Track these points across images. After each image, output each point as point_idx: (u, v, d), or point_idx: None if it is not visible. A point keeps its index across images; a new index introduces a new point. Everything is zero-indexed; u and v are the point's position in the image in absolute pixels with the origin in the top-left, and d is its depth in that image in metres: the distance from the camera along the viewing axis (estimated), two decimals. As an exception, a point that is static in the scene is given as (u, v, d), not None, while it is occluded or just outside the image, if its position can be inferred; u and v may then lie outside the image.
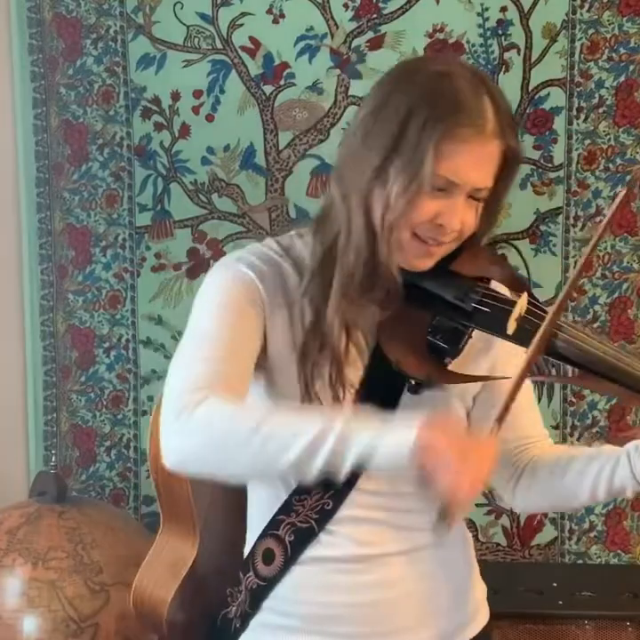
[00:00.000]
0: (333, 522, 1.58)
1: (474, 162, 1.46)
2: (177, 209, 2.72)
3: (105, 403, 2.78)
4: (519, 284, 1.61)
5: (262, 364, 1.56)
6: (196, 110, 2.68)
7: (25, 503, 2.49)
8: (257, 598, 1.61)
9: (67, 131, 2.71)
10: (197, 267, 2.72)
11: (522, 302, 1.53)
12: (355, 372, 1.55)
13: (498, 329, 1.52)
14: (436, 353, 1.53)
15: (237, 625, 1.64)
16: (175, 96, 2.68)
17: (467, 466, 1.33)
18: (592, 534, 2.73)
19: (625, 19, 2.58)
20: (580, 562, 2.73)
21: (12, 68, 2.68)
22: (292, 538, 1.58)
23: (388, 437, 1.35)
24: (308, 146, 2.67)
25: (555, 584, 2.44)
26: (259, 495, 1.65)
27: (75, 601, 2.27)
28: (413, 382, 1.53)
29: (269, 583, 1.61)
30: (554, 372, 1.61)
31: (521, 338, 1.50)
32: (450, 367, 1.54)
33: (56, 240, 2.74)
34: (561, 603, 2.36)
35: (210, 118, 2.68)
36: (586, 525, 2.73)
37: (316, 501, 1.57)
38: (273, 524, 1.60)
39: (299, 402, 1.53)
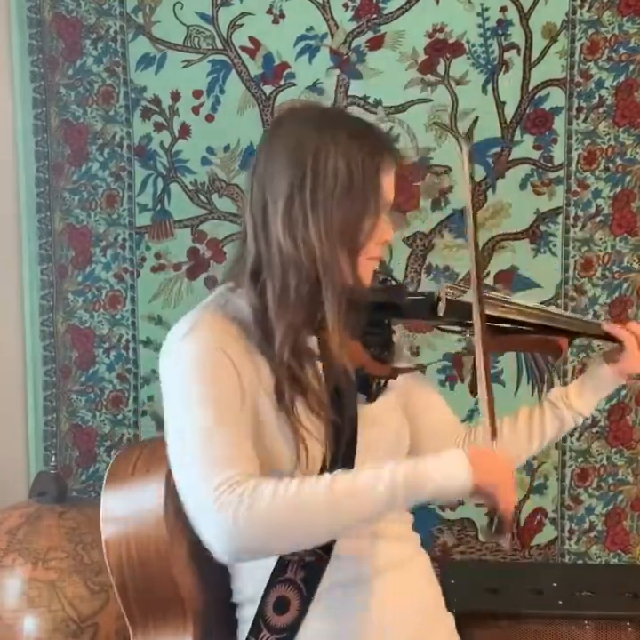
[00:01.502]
0: (338, 545, 1.59)
1: (393, 180, 1.65)
2: (177, 209, 2.72)
3: (105, 403, 2.78)
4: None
5: None
6: (196, 110, 2.68)
7: (25, 503, 2.49)
8: (292, 630, 1.59)
9: (67, 131, 2.71)
10: (197, 267, 2.73)
11: (442, 287, 1.73)
12: (323, 395, 1.61)
13: (431, 314, 1.73)
14: (379, 354, 1.69)
15: None
16: (175, 96, 2.68)
17: (507, 482, 1.52)
18: (592, 534, 2.73)
19: (625, 19, 2.58)
20: (580, 562, 2.73)
21: (12, 67, 2.68)
22: (303, 574, 1.58)
23: (450, 484, 1.49)
24: (308, 146, 2.67)
25: (555, 584, 2.43)
26: None
27: (75, 601, 2.27)
28: (378, 383, 1.67)
29: (290, 631, 1.59)
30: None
31: (452, 315, 1.72)
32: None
33: (56, 240, 2.74)
34: (561, 603, 2.36)
35: (210, 118, 2.68)
36: (586, 525, 2.73)
37: None
38: (279, 570, 1.59)
39: (287, 445, 1.57)
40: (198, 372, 1.54)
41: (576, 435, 2.69)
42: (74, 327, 2.77)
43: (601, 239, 2.65)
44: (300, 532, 1.48)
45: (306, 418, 1.57)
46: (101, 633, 2.27)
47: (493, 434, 1.56)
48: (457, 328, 1.81)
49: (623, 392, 2.67)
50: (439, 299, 1.72)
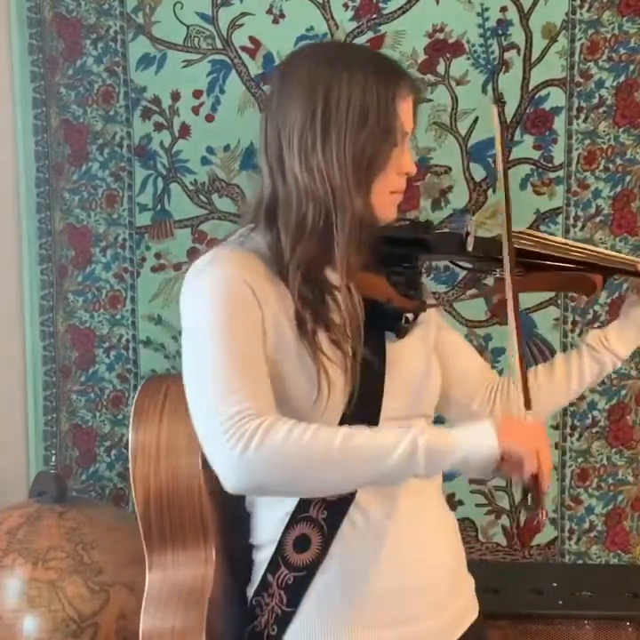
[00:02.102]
0: (357, 498, 1.60)
1: (411, 109, 1.64)
2: (177, 209, 2.72)
3: (105, 403, 2.78)
4: None
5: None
6: (195, 110, 2.68)
7: (25, 503, 2.49)
8: (296, 592, 1.58)
9: (67, 131, 2.71)
10: (197, 267, 2.72)
11: (470, 222, 1.71)
12: (345, 328, 1.60)
13: (458, 250, 1.70)
14: (406, 291, 1.66)
15: (272, 632, 1.60)
16: (175, 96, 2.68)
17: (540, 449, 1.47)
18: (592, 534, 2.73)
19: (625, 19, 2.58)
20: (580, 562, 2.73)
21: (12, 67, 2.68)
22: (326, 514, 1.57)
23: (476, 444, 1.46)
24: (308, 146, 2.67)
25: (555, 584, 2.44)
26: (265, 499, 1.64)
27: (75, 601, 2.27)
28: (407, 319, 1.64)
29: (309, 569, 1.58)
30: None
31: (481, 250, 1.69)
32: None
33: (56, 240, 2.74)
34: (561, 603, 2.36)
35: (210, 118, 2.68)
36: (586, 525, 2.73)
37: None
38: (302, 507, 1.59)
39: (307, 377, 1.55)
40: (219, 304, 1.54)
41: (576, 435, 2.69)
42: (74, 327, 2.77)
43: (601, 239, 2.65)
44: (310, 479, 1.46)
45: (328, 347, 1.56)
46: (101, 633, 2.27)
47: (527, 404, 1.53)
48: (485, 266, 1.77)
49: (623, 392, 2.67)
50: (468, 233, 1.68)
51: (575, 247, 1.77)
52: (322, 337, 1.56)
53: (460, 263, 1.83)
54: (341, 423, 1.54)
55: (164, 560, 1.67)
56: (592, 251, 1.79)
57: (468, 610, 1.76)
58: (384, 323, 1.63)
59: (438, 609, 1.67)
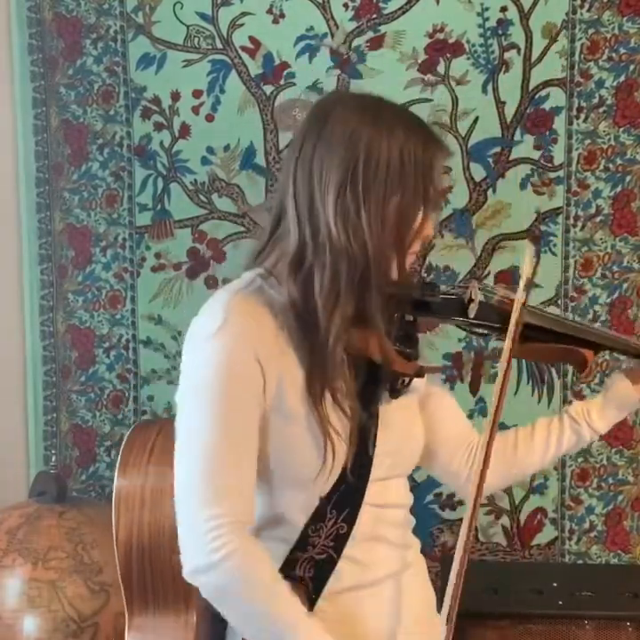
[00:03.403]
0: (349, 547, 1.59)
1: (442, 177, 1.68)
2: (177, 209, 2.72)
3: (105, 403, 2.78)
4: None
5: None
6: (195, 110, 2.68)
7: (25, 503, 2.49)
8: None
9: (67, 131, 2.71)
10: (197, 267, 2.73)
11: (474, 287, 1.68)
12: (352, 391, 1.59)
13: (459, 314, 1.69)
14: (404, 350, 1.65)
15: None
16: (175, 96, 2.68)
17: None
18: (592, 534, 2.73)
19: (625, 19, 2.58)
20: (580, 562, 2.73)
21: (12, 68, 2.68)
22: (312, 574, 1.57)
23: None
24: (308, 146, 2.66)
25: (555, 584, 2.43)
26: (266, 532, 1.62)
27: (75, 601, 2.27)
28: (403, 381, 1.64)
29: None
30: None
31: (483, 318, 1.68)
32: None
33: (56, 240, 2.74)
34: (561, 603, 2.36)
35: (210, 118, 2.68)
36: (586, 525, 2.73)
37: (332, 526, 1.59)
38: (288, 565, 1.58)
39: (314, 446, 1.55)
40: (222, 381, 1.51)
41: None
42: (74, 327, 2.77)
43: (601, 239, 2.65)
44: (237, 622, 1.52)
45: (333, 413, 1.55)
46: (101, 633, 2.27)
47: (448, 619, 1.52)
48: (483, 330, 1.78)
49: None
50: (471, 300, 1.68)
51: (565, 321, 1.81)
52: (327, 403, 1.56)
53: (459, 324, 1.82)
54: (334, 488, 1.57)
55: (144, 622, 1.68)
56: (582, 326, 1.82)
57: None
58: (380, 383, 1.63)
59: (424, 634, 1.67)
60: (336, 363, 1.55)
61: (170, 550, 1.63)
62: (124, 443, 1.74)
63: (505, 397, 1.58)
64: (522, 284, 1.62)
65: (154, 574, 1.67)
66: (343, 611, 1.60)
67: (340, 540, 1.58)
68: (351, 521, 1.59)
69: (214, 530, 1.47)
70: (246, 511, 1.52)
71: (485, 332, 1.79)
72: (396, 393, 1.64)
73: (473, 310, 1.68)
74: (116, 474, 1.70)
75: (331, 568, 1.58)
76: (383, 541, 1.63)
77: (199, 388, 1.53)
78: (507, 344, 1.60)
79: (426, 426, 1.75)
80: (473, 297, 1.68)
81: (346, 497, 1.57)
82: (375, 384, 1.62)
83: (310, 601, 1.58)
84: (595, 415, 1.80)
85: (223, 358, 1.51)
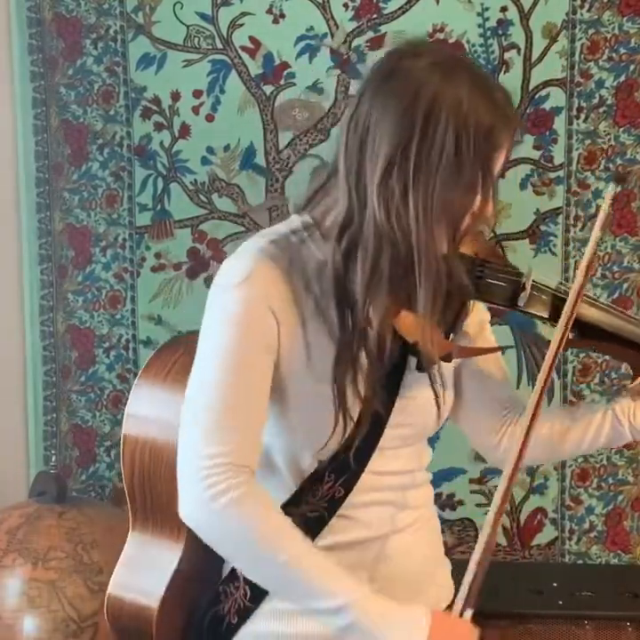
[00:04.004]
0: (343, 508, 1.59)
1: (505, 154, 1.51)
2: (177, 209, 2.72)
3: (105, 403, 2.78)
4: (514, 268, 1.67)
5: (275, 380, 1.55)
6: (196, 110, 2.68)
7: (25, 503, 2.49)
8: (260, 591, 1.59)
9: (67, 131, 2.71)
10: (197, 267, 2.73)
11: (529, 275, 1.59)
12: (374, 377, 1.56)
13: (509, 302, 1.59)
14: (444, 331, 1.57)
15: (233, 620, 1.62)
16: (175, 96, 2.68)
17: None
18: (592, 534, 2.73)
19: (625, 19, 2.58)
20: (580, 562, 2.73)
21: (12, 67, 2.68)
22: (301, 529, 1.55)
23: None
24: (308, 146, 2.67)
25: (555, 584, 2.44)
26: (266, 481, 1.62)
27: (75, 601, 2.27)
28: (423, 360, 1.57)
29: None
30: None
31: (533, 308, 1.59)
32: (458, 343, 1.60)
33: (56, 240, 2.74)
34: (561, 603, 2.36)
35: (210, 118, 2.68)
36: (586, 525, 2.73)
37: (328, 489, 1.58)
38: (291, 504, 1.59)
39: (314, 404, 1.53)
40: (238, 330, 1.50)
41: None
42: (74, 327, 2.77)
43: (601, 239, 2.65)
44: (245, 565, 1.52)
45: (349, 389, 1.53)
46: (101, 633, 2.27)
47: (468, 601, 1.54)
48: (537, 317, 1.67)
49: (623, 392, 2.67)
50: (523, 287, 1.60)
51: (632, 319, 1.66)
52: (348, 383, 1.53)
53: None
54: (335, 455, 1.56)
55: (142, 538, 1.71)
56: None
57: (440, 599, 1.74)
58: (404, 362, 1.59)
59: (418, 595, 1.64)
60: (366, 343, 1.51)
61: (165, 477, 1.65)
62: (150, 356, 1.77)
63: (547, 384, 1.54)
64: (598, 223, 1.53)
65: (153, 498, 1.70)
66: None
67: (336, 503, 1.58)
68: (348, 486, 1.58)
69: (214, 469, 1.46)
70: (249, 456, 1.50)
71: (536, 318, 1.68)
72: (422, 368, 1.58)
73: (523, 299, 1.59)
74: (133, 387, 1.75)
75: (320, 527, 1.58)
76: (377, 504, 1.62)
77: (215, 333, 1.52)
78: (556, 336, 1.53)
79: (465, 386, 1.71)
80: (525, 285, 1.59)
81: (346, 464, 1.56)
82: (404, 365, 1.58)
83: None
84: None
85: (240, 310, 1.50)
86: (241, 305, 1.50)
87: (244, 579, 1.60)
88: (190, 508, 1.49)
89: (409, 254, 1.47)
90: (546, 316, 1.60)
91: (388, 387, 1.57)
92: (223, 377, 1.49)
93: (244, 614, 1.61)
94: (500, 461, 1.66)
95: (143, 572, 1.70)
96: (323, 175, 1.58)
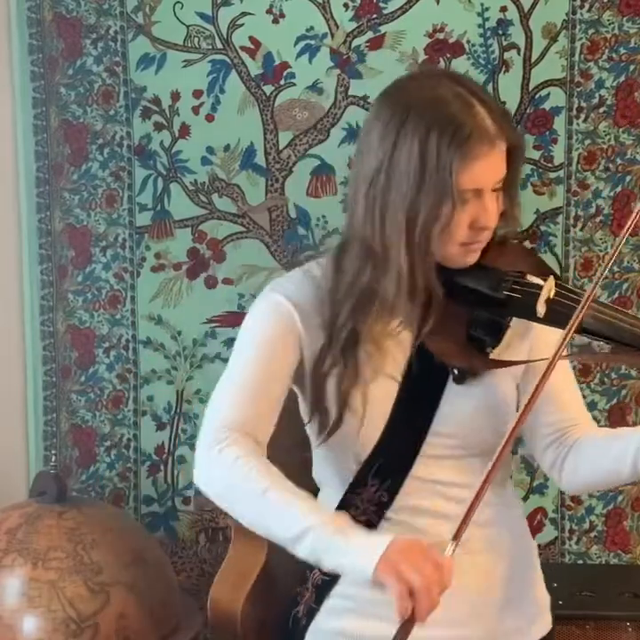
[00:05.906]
0: (391, 511, 1.66)
1: (488, 166, 1.58)
2: (177, 209, 2.72)
3: (105, 403, 2.78)
4: (545, 269, 1.71)
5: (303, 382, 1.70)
6: (196, 110, 2.68)
7: (25, 503, 2.49)
8: (322, 593, 1.69)
9: (67, 131, 2.70)
10: (197, 267, 2.73)
11: (548, 285, 1.62)
12: (394, 366, 1.65)
13: (529, 314, 1.62)
14: (477, 343, 1.62)
15: (304, 623, 1.72)
16: (175, 96, 2.68)
17: (418, 589, 1.42)
18: (592, 534, 2.73)
19: (625, 19, 2.58)
20: (580, 562, 2.73)
21: (12, 68, 2.68)
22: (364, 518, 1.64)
23: (353, 561, 1.48)
24: (308, 146, 2.67)
25: (555, 584, 2.43)
26: (322, 493, 1.75)
27: (75, 601, 2.27)
28: (456, 372, 1.64)
29: (333, 576, 1.66)
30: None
31: (553, 319, 1.61)
32: (491, 355, 1.63)
33: (56, 240, 2.74)
34: (561, 603, 2.35)
35: (210, 118, 2.68)
36: (586, 525, 2.73)
37: (373, 493, 1.66)
38: (343, 507, 1.66)
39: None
40: (261, 323, 1.67)
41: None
42: (74, 327, 2.77)
43: (601, 239, 2.65)
44: (233, 507, 1.60)
45: (332, 394, 1.68)
46: (101, 633, 2.27)
47: (457, 535, 1.49)
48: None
49: (623, 392, 2.67)
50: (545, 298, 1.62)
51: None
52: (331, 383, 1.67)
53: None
54: (372, 458, 1.66)
55: (237, 538, 1.89)
56: None
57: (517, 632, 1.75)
58: (433, 370, 1.65)
59: (476, 617, 1.68)
60: (343, 344, 1.63)
61: None
62: None
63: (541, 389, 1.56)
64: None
65: None
66: None
67: (381, 507, 1.65)
68: (393, 491, 1.65)
69: (222, 432, 1.59)
70: (262, 430, 1.63)
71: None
72: (460, 380, 1.64)
73: (541, 312, 1.61)
74: None
75: (368, 529, 1.61)
76: (427, 512, 1.66)
77: (246, 325, 1.70)
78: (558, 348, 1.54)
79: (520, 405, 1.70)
80: (549, 296, 1.61)
81: (388, 468, 1.64)
82: (445, 376, 1.65)
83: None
84: None
85: (266, 317, 1.67)
86: (266, 312, 1.68)
87: (312, 581, 1.70)
88: (197, 467, 1.62)
89: (387, 264, 1.59)
90: (562, 327, 1.59)
91: (429, 396, 1.65)
92: (245, 358, 1.65)
93: (310, 616, 1.72)
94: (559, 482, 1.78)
95: (235, 578, 1.87)
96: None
